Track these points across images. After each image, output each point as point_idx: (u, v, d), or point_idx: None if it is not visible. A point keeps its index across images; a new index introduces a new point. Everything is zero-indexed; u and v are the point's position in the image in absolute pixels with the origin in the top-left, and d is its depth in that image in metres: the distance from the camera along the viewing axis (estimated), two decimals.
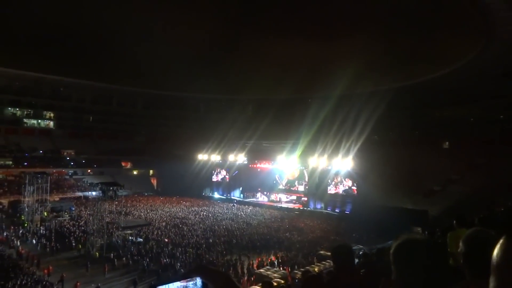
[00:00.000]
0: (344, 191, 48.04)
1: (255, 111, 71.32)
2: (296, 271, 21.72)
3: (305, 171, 53.33)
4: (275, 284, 12.97)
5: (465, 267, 1.64)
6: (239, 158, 60.91)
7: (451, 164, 43.41)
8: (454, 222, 4.55)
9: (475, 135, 46.34)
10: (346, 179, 47.82)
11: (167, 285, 0.93)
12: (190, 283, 0.94)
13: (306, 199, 51.73)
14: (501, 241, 0.68)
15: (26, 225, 37.40)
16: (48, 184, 42.98)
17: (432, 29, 36.22)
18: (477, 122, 49.55)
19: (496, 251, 0.68)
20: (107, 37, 43.84)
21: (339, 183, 48.61)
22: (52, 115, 68.02)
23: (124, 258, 27.00)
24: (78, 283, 21.53)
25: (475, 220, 5.71)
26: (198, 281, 0.95)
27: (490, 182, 35.20)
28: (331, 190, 49.02)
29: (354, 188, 47.10)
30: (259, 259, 27.14)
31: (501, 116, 47.91)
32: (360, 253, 14.62)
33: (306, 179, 53.09)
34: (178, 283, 0.93)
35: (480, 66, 42.05)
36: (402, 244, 1.47)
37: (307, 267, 19.92)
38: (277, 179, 57.13)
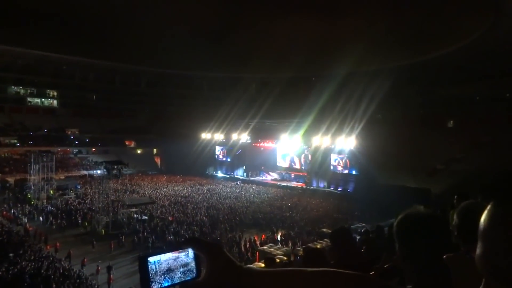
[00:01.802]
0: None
1: (258, 89, 70.85)
2: (298, 248, 22.03)
3: (307, 150, 53.30)
4: (277, 260, 13.17)
5: (458, 239, 1.63)
6: (242, 137, 60.92)
7: (456, 143, 43.24)
8: (455, 199, 4.50)
9: (480, 114, 45.92)
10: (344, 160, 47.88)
11: (158, 256, 0.92)
12: (182, 254, 0.94)
13: (307, 176, 51.83)
14: (488, 207, 0.68)
15: (32, 203, 37.93)
16: (53, 163, 43.41)
17: (439, 4, 35.43)
18: (482, 100, 49.01)
19: (483, 218, 0.69)
20: (109, 14, 43.26)
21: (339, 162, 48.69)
22: (55, 93, 67.98)
23: (129, 235, 27.45)
24: (85, 259, 22.00)
25: (479, 198, 5.67)
26: (190, 252, 0.95)
27: (494, 161, 35.08)
28: (334, 168, 49.09)
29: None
30: (263, 236, 27.51)
31: (508, 95, 47.39)
32: (362, 230, 14.78)
33: (309, 158, 53.07)
34: (170, 254, 0.93)
35: (488, 43, 41.33)
36: (406, 217, 1.46)
37: (309, 244, 20.20)
38: (280, 157, 57.28)
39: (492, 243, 0.66)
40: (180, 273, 0.93)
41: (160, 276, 0.91)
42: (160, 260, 0.92)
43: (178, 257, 0.94)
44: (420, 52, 48.02)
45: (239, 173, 60.71)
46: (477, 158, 38.74)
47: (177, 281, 0.92)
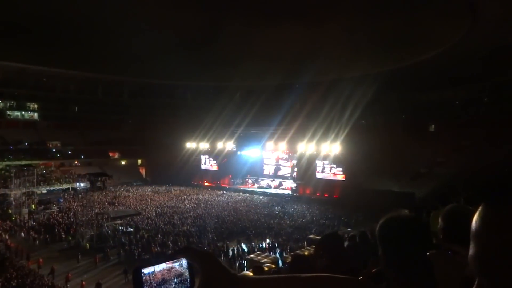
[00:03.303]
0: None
1: (243, 98, 70.93)
2: (286, 256, 22.02)
3: (293, 156, 53.60)
4: (266, 268, 13.12)
5: (444, 242, 1.67)
6: (228, 145, 60.80)
7: (437, 147, 44.07)
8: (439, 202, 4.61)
9: (460, 118, 46.99)
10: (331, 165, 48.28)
11: (152, 267, 0.91)
12: (176, 264, 0.93)
13: (293, 182, 52.11)
14: (479, 208, 0.71)
15: (13, 218, 36.96)
16: (35, 177, 42.49)
17: (416, 11, 36.23)
18: (462, 105, 50.19)
19: (474, 218, 0.71)
20: (89, 24, 42.89)
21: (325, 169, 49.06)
22: (36, 106, 66.76)
23: (115, 248, 26.99)
24: (70, 275, 21.50)
25: (461, 200, 5.81)
26: (184, 262, 0.94)
27: (475, 164, 35.82)
28: (320, 175, 49.39)
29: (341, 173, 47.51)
30: (250, 245, 27.39)
31: (486, 99, 48.63)
32: (349, 235, 14.85)
33: (295, 165, 53.30)
34: (163, 265, 0.92)
35: (465, 49, 42.39)
36: (387, 222, 1.50)
37: (297, 251, 20.20)
38: (266, 165, 57.38)
39: (484, 243, 0.68)
40: (175, 283, 0.93)
41: (162, 281, 0.91)
42: (154, 271, 0.91)
43: (172, 267, 0.93)
44: (400, 58, 48.97)
45: (225, 181, 60.46)
46: (458, 162, 39.53)
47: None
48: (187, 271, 0.95)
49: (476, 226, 0.71)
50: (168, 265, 0.93)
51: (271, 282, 0.97)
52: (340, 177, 47.52)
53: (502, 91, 45.01)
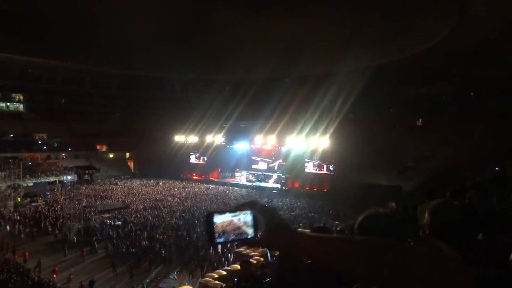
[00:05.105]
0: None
1: (232, 91, 70.73)
2: None
3: (282, 150, 53.83)
4: (254, 262, 13.19)
5: (430, 236, 1.69)
6: (217, 138, 60.70)
7: (424, 141, 44.59)
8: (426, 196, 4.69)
9: (447, 113, 47.54)
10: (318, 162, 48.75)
11: (223, 214, 1.07)
12: (235, 218, 1.08)
13: (282, 176, 52.36)
14: None
15: None
16: (21, 169, 41.88)
17: (404, 5, 36.38)
18: (449, 99, 50.79)
19: None
20: (75, 13, 42.14)
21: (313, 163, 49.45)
22: (21, 97, 65.59)
23: (102, 242, 26.83)
24: (56, 268, 21.31)
25: (447, 194, 5.91)
26: (249, 214, 1.09)
27: (461, 158, 36.41)
28: (308, 168, 49.69)
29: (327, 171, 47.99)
30: None
31: (472, 94, 49.27)
32: (338, 229, 14.99)
33: (284, 158, 53.53)
34: (225, 217, 1.08)
35: (453, 44, 42.78)
36: (366, 219, 1.51)
37: None
38: (255, 158, 57.45)
39: None
40: (234, 234, 1.08)
41: (222, 232, 1.07)
42: (215, 222, 1.07)
43: (231, 221, 1.08)
44: (388, 53, 49.21)
45: (214, 175, 60.42)
46: (445, 156, 40.09)
47: (237, 238, 1.08)
48: (252, 221, 1.08)
49: None
50: (228, 218, 1.07)
51: (328, 241, 1.04)
52: (328, 170, 47.87)
53: (489, 86, 45.65)
